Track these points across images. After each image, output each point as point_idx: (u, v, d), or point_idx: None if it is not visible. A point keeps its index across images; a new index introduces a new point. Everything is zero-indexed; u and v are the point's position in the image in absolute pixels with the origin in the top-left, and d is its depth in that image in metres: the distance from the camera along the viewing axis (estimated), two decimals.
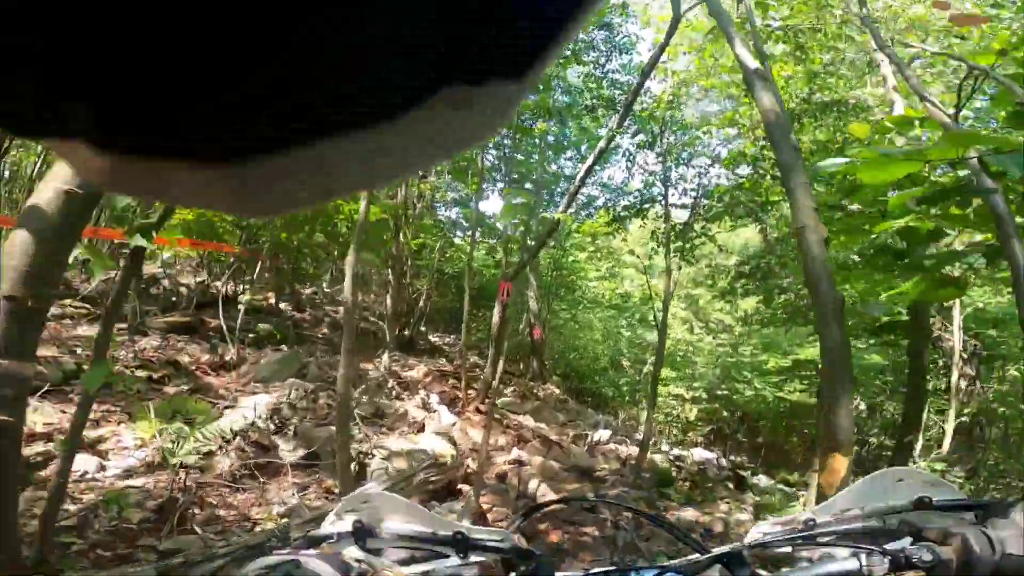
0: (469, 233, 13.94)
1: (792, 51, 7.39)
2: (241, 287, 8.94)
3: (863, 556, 0.66)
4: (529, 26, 0.12)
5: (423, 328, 13.23)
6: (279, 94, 0.11)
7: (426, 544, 0.78)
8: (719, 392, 15.15)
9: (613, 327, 18.63)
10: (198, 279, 10.42)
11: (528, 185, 12.84)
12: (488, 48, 0.12)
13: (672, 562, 0.74)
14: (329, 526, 0.79)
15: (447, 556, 0.77)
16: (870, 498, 0.75)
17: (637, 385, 16.38)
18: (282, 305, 10.44)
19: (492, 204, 15.01)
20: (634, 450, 8.08)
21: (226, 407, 4.01)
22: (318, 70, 0.11)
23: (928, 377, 9.70)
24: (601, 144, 7.08)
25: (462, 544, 0.75)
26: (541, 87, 9.40)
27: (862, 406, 14.24)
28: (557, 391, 14.07)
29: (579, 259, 13.30)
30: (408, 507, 0.83)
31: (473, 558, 0.77)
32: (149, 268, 9.14)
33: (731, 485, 7.53)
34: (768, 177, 7.68)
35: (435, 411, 6.60)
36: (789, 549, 0.74)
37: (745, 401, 14.81)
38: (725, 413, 15.64)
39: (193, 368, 4.67)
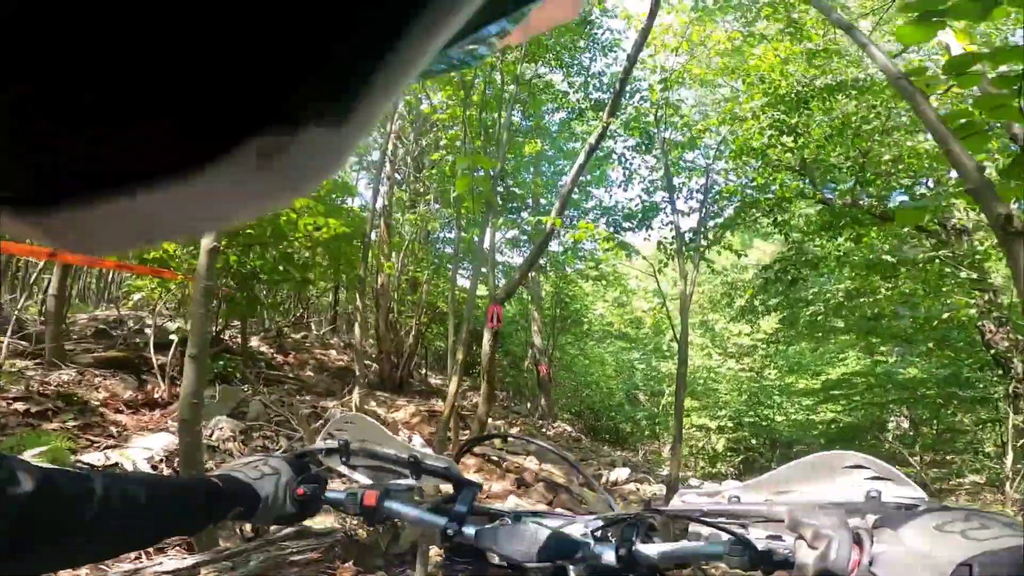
0: (469, 271, 13.15)
1: (786, 28, 6.64)
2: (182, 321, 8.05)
3: (729, 542, 0.62)
4: (349, 63, 0.11)
5: (420, 368, 12.21)
6: (73, 148, 0.10)
7: (388, 463, 0.93)
8: (747, 419, 13.80)
9: (625, 360, 17.45)
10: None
11: (524, 214, 12.08)
12: (300, 91, 0.10)
13: (586, 516, 0.79)
14: (320, 442, 0.98)
15: (405, 475, 0.91)
16: (812, 482, 0.67)
17: (656, 418, 15.08)
18: (264, 348, 9.53)
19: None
20: (658, 488, 6.89)
21: (107, 447, 3.04)
22: (111, 120, 0.10)
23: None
24: (592, 139, 6.25)
25: (415, 466, 0.90)
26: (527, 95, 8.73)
27: (904, 424, 12.83)
28: (569, 429, 12.81)
29: (583, 287, 12.31)
30: (380, 431, 0.98)
31: (425, 479, 0.90)
32: (123, 310, 8.33)
33: None
34: (782, 170, 6.78)
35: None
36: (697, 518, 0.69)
37: (775, 426, 13.41)
38: (755, 441, 14.23)
39: (99, 404, 3.74)
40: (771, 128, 6.51)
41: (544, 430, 11.57)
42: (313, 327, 12.40)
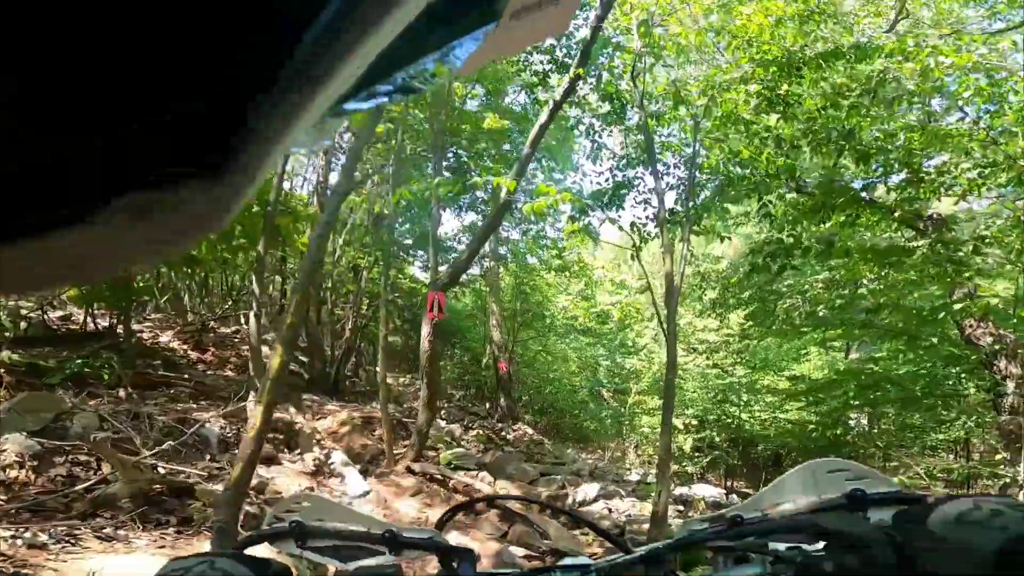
0: (426, 260, 11.94)
1: None
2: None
3: (768, 562, 0.63)
4: (213, 120, 0.10)
5: (362, 367, 10.94)
6: None
7: (359, 542, 0.80)
8: (711, 418, 13.14)
9: (589, 356, 16.58)
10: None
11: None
12: (166, 146, 0.10)
13: (596, 561, 0.73)
14: (267, 527, 0.82)
15: (381, 553, 0.79)
16: (801, 491, 0.71)
17: (621, 417, 14.27)
18: (176, 343, 8.11)
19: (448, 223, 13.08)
20: (630, 507, 5.95)
21: None
22: None
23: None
24: (557, 95, 5.21)
25: (392, 542, 0.78)
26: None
27: (864, 421, 12.41)
28: (530, 431, 11.81)
29: (545, 278, 11.27)
30: (341, 508, 0.86)
31: (406, 555, 0.78)
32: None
33: None
34: (773, 143, 5.89)
35: (338, 474, 4.38)
36: (717, 544, 0.68)
37: (740, 425, 12.79)
38: (718, 439, 13.62)
39: None
40: (758, 97, 5.61)
41: (504, 433, 10.52)
42: (247, 320, 10.98)
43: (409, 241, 10.58)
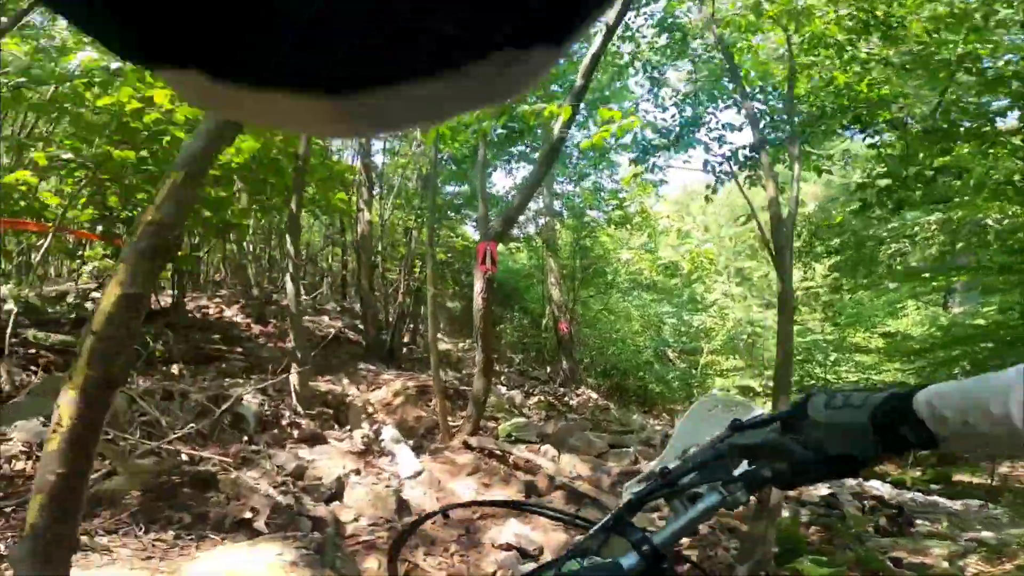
0: (474, 221, 11.41)
1: None
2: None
3: (721, 487, 0.70)
4: (583, 11, 0.14)
5: (418, 334, 10.71)
6: (370, 41, 0.12)
7: None
8: (793, 379, 12.07)
9: (653, 313, 15.72)
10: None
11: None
12: (535, 18, 0.13)
13: (573, 547, 0.76)
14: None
15: None
16: (698, 432, 0.80)
17: (690, 379, 13.44)
18: (239, 317, 8.11)
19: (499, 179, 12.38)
20: None
21: None
22: (403, 22, 0.12)
23: None
24: (610, 19, 4.39)
25: None
26: None
27: None
28: (594, 395, 11.26)
29: (606, 231, 10.45)
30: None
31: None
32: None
33: (883, 520, 4.68)
34: (875, 68, 4.78)
35: (388, 452, 4.03)
36: (661, 501, 0.76)
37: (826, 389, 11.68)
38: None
39: None
40: (851, 19, 4.50)
41: (566, 398, 10.05)
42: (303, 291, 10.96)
43: (460, 202, 10.07)
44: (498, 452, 4.65)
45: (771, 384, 11.56)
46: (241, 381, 4.18)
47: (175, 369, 4.38)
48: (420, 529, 3.30)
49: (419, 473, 3.92)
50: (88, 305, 6.29)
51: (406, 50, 0.13)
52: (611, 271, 12.45)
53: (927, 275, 6.39)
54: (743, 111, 4.59)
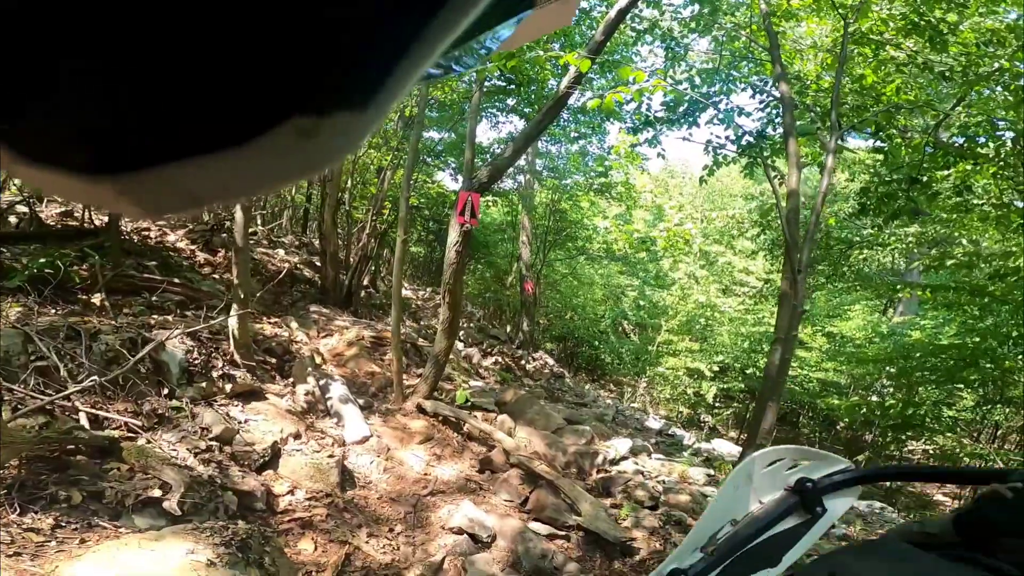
0: (456, 169, 10.71)
1: None
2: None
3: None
4: (373, 60, 0.12)
5: (381, 277, 10.15)
6: (148, 117, 0.12)
7: None
8: (737, 366, 12.25)
9: (616, 284, 15.61)
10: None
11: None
12: (333, 81, 0.12)
13: None
14: None
15: None
16: (737, 502, 0.57)
17: (644, 354, 13.50)
18: (183, 243, 7.36)
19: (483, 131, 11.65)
20: (659, 467, 5.24)
21: None
22: (177, 97, 0.11)
23: None
24: None
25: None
26: None
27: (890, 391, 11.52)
28: (551, 362, 11.14)
29: (587, 196, 10.03)
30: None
31: None
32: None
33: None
34: (914, 71, 4.43)
35: (334, 413, 3.64)
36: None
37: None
38: (742, 392, 12.85)
39: None
40: (903, 19, 4.10)
41: (523, 362, 9.86)
42: (260, 221, 10.12)
43: (440, 148, 9.38)
44: (453, 419, 4.34)
45: (717, 369, 11.72)
46: (171, 319, 3.64)
47: (96, 299, 3.78)
48: (362, 505, 2.98)
49: (367, 439, 3.56)
50: (11, 219, 5.48)
51: (181, 124, 0.12)
52: (584, 237, 12.12)
53: (899, 286, 6.33)
54: (776, 92, 4.19)
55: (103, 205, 0.13)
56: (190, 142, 0.12)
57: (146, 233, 7.18)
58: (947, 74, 3.84)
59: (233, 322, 3.43)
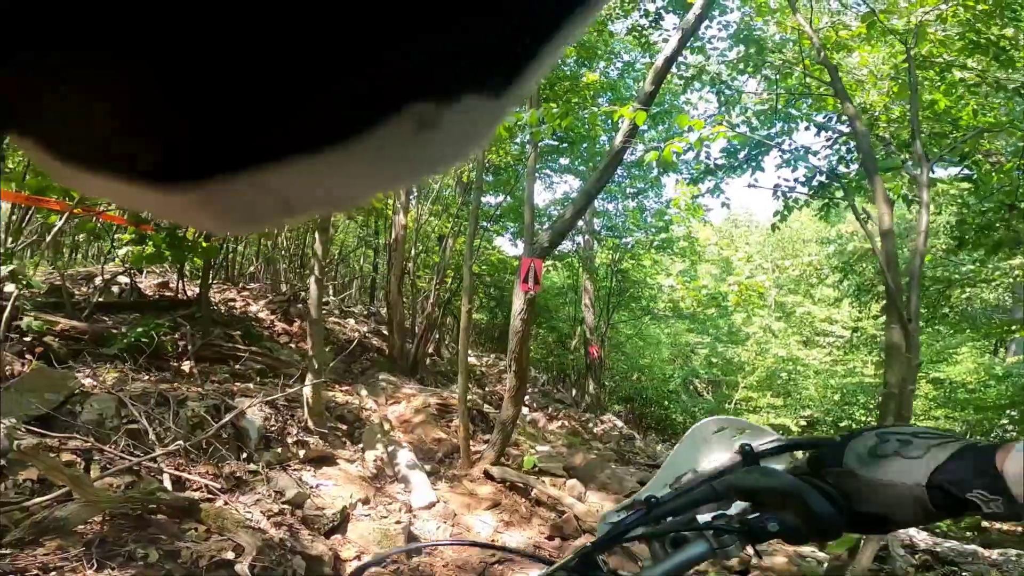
0: (514, 233, 11.01)
1: None
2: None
3: (712, 535, 0.58)
4: (508, 36, 0.10)
5: (443, 346, 10.29)
6: (233, 116, 0.09)
7: None
8: (829, 420, 11.13)
9: (684, 342, 14.98)
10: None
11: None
12: (459, 61, 0.10)
13: None
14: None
15: None
16: (698, 458, 0.68)
17: (721, 413, 12.59)
18: (264, 313, 7.87)
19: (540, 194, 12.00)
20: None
21: None
22: (269, 87, 0.09)
23: None
24: (688, 21, 3.96)
25: None
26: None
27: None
28: (619, 424, 10.66)
29: (650, 254, 9.91)
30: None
31: None
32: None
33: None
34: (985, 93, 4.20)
35: (402, 478, 3.59)
36: (645, 531, 0.63)
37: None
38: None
39: None
40: (960, 39, 3.96)
41: (591, 425, 9.50)
42: (332, 291, 10.69)
43: (497, 213, 9.70)
44: (521, 485, 4.17)
45: (804, 424, 10.75)
46: (252, 386, 3.82)
47: (186, 367, 4.06)
48: (428, 572, 2.85)
49: (433, 504, 3.47)
50: (114, 290, 6.12)
51: (270, 118, 0.09)
52: (647, 297, 11.87)
53: (1012, 325, 5.67)
54: (842, 127, 4.07)
55: (181, 219, 0.11)
56: (282, 140, 0.10)
57: (232, 304, 7.76)
58: (1021, 91, 3.58)
59: (308, 391, 3.55)
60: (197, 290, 6.50)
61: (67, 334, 3.82)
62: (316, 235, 4.08)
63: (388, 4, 0.09)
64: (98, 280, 5.94)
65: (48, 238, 4.33)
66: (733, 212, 17.63)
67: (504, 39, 0.10)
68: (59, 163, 0.10)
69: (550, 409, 9.20)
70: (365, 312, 11.01)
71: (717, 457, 0.67)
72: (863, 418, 10.88)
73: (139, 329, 4.04)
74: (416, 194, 8.07)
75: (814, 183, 5.17)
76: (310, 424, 3.49)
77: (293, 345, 6.95)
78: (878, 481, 0.49)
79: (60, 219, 3.79)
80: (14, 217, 5.02)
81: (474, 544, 2.88)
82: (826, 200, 5.15)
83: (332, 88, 0.09)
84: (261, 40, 0.09)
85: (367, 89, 0.09)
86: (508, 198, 9.31)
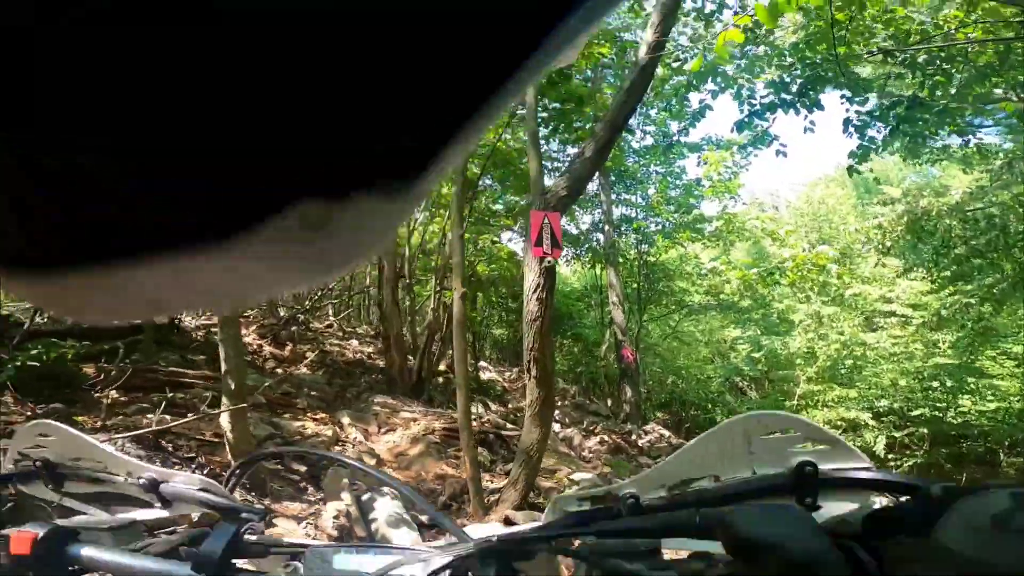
0: (519, 238, 9.87)
1: None
2: None
3: (639, 564, 0.45)
4: (402, 140, 0.09)
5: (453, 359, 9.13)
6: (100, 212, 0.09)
7: (124, 488, 0.66)
8: (909, 410, 9.55)
9: (721, 338, 13.60)
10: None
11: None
12: (349, 161, 0.09)
13: (426, 547, 0.58)
14: (9, 464, 0.69)
15: (150, 505, 0.66)
16: (726, 460, 0.51)
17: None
18: (251, 337, 6.88)
19: None
20: None
21: None
22: (133, 183, 0.09)
23: None
24: None
25: (154, 490, 0.64)
26: None
27: None
28: (666, 432, 9.33)
29: (684, 234, 8.65)
30: (96, 447, 0.67)
31: (177, 508, 0.66)
32: None
33: None
34: None
35: (381, 538, 2.47)
36: (587, 541, 0.51)
37: (944, 418, 9.10)
38: (922, 436, 9.96)
39: None
40: None
41: (633, 437, 8.21)
42: (332, 311, 9.68)
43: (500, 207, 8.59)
44: None
45: (883, 416, 9.25)
46: (170, 418, 2.76)
47: (108, 395, 3.05)
48: None
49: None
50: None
51: (131, 212, 0.08)
52: (679, 290, 10.59)
53: None
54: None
55: (45, 306, 0.10)
56: (149, 236, 0.08)
57: (212, 328, 6.78)
58: None
59: (226, 423, 2.45)
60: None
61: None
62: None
63: (269, 104, 0.08)
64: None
65: None
66: (756, 195, 16.12)
67: (397, 143, 0.09)
68: None
69: (585, 424, 7.95)
70: (372, 333, 9.98)
71: (758, 469, 0.48)
72: (947, 400, 9.31)
73: (33, 352, 3.06)
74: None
75: (891, 117, 3.97)
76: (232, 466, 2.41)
77: (280, 370, 5.92)
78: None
79: None
80: None
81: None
82: (913, 135, 3.93)
83: (208, 184, 0.08)
84: (129, 132, 0.08)
85: (247, 186, 0.09)
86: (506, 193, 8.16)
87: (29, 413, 2.90)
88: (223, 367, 2.54)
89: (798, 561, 0.32)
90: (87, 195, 0.08)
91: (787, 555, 0.33)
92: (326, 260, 0.10)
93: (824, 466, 0.46)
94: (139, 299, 0.09)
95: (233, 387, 2.48)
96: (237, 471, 0.75)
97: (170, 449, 2.55)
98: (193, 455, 2.56)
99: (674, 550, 0.53)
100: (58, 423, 0.71)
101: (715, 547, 0.44)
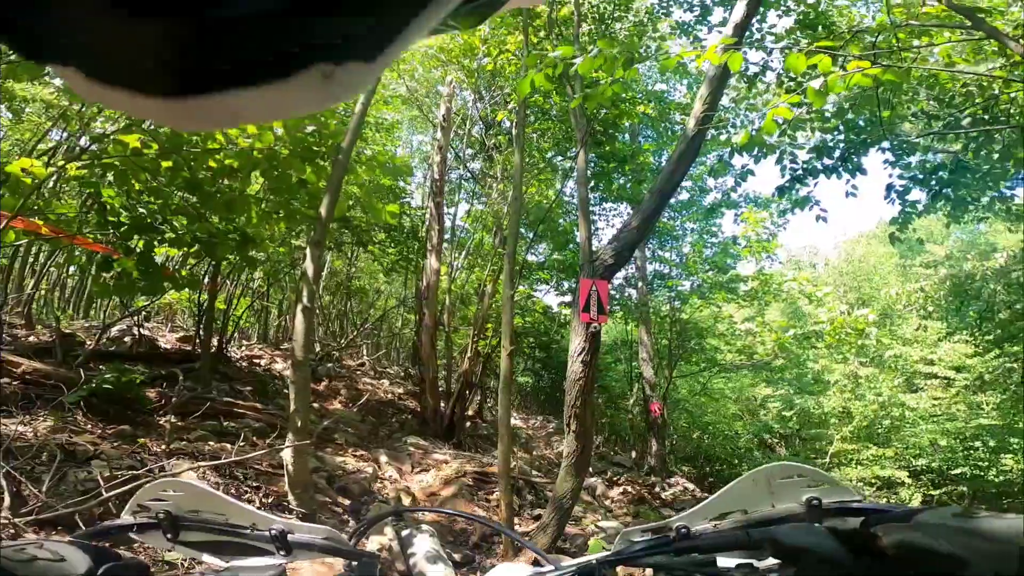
0: (546, 285, 10.05)
1: None
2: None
3: None
4: (387, 21, 0.15)
5: (485, 407, 9.18)
6: (213, 47, 0.14)
7: (244, 539, 0.68)
8: (947, 468, 9.00)
9: (750, 396, 13.28)
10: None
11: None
12: (351, 38, 0.15)
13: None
14: (128, 515, 0.70)
15: (270, 553, 0.68)
16: (753, 500, 0.65)
17: None
18: (288, 371, 7.13)
19: None
20: None
21: None
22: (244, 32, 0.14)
23: None
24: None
25: (282, 541, 0.66)
26: None
27: None
28: (690, 486, 9.07)
29: (719, 294, 8.68)
30: (222, 499, 0.70)
31: (298, 556, 0.69)
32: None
33: None
34: None
35: (419, 574, 2.54)
36: (658, 560, 0.62)
37: (985, 478, 8.53)
38: (961, 493, 9.34)
39: None
40: None
41: (656, 489, 8.03)
42: (366, 351, 9.94)
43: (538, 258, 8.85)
44: None
45: (921, 474, 8.77)
46: (230, 446, 2.93)
47: (165, 422, 3.27)
48: None
49: None
50: (127, 340, 5.54)
51: (245, 61, 0.14)
52: (711, 348, 10.49)
53: None
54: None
55: (168, 121, 0.15)
56: (247, 75, 0.14)
57: (256, 360, 7.07)
58: None
59: (288, 457, 2.62)
60: (215, 345, 5.86)
61: (30, 378, 3.24)
62: (307, 251, 3.27)
63: (308, 10, 0.14)
64: (115, 330, 5.40)
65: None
66: (793, 253, 16.04)
67: (373, 27, 0.15)
68: (89, 83, 0.14)
69: (609, 474, 7.83)
70: (402, 374, 10.16)
71: (777, 505, 0.62)
72: (986, 459, 8.80)
73: (107, 376, 3.32)
74: (450, 237, 7.37)
75: (932, 182, 4.07)
76: (291, 499, 2.54)
77: (316, 405, 6.11)
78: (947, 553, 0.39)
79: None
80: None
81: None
82: (956, 199, 4.00)
83: (278, 47, 0.14)
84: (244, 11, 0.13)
85: (294, 52, 0.14)
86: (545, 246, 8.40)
87: (99, 431, 3.14)
88: (291, 406, 2.74)
89: (821, 558, 0.45)
90: (203, 48, 0.13)
91: (815, 555, 0.45)
92: (332, 95, 0.16)
93: (827, 500, 0.60)
94: (233, 115, 0.15)
95: (299, 424, 2.67)
96: (365, 525, 0.83)
97: (241, 478, 2.71)
98: (257, 484, 2.72)
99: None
100: (187, 480, 0.74)
101: (756, 561, 0.57)
